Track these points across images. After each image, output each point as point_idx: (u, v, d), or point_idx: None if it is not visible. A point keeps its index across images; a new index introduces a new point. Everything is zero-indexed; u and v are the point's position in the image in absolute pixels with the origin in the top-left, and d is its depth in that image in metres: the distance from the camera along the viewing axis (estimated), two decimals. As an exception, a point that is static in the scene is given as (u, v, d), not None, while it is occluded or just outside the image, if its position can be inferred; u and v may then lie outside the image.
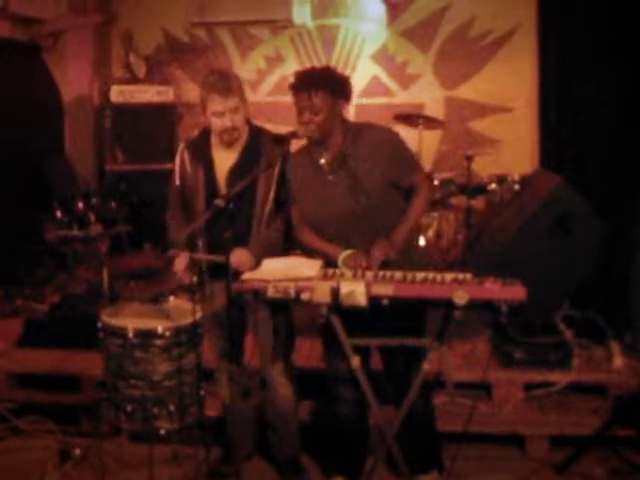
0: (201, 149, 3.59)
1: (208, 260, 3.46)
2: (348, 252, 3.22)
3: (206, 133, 3.62)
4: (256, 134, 3.58)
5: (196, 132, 3.76)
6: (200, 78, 3.62)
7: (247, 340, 3.73)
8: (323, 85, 3.20)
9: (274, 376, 3.66)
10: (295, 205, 3.40)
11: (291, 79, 3.30)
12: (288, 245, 3.50)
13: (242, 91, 3.50)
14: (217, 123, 3.45)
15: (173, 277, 3.62)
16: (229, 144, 3.51)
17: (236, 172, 3.48)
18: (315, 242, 3.38)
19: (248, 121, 3.59)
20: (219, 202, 3.05)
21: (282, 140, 3.27)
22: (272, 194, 3.48)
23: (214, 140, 3.58)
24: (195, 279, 3.48)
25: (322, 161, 3.34)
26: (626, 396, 4.09)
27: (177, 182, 3.65)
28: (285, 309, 3.55)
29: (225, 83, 3.42)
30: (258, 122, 3.70)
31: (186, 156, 3.62)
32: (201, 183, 3.56)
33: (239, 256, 3.36)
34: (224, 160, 3.55)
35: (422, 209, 3.39)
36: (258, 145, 3.52)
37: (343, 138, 3.30)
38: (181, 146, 3.70)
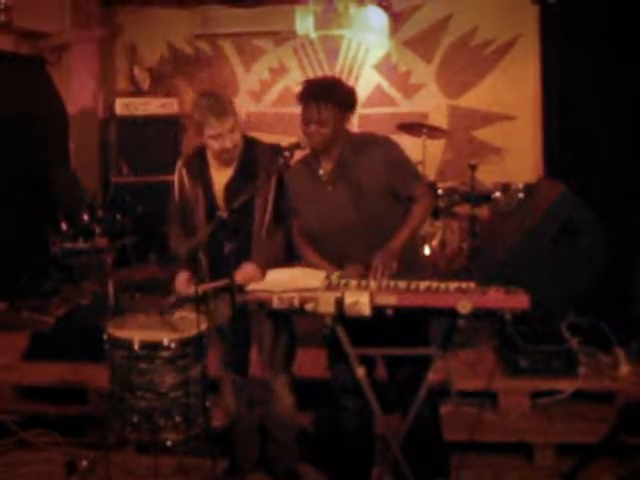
0: (198, 167, 3.58)
1: (215, 287, 3.43)
2: (338, 273, 3.20)
3: (202, 150, 3.60)
4: (250, 146, 3.57)
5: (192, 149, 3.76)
6: (204, 90, 3.68)
7: (252, 351, 3.74)
8: (333, 99, 3.19)
9: (278, 388, 3.66)
10: (295, 218, 3.41)
11: (299, 88, 3.28)
12: (290, 256, 3.51)
13: (235, 109, 3.47)
14: (215, 145, 3.44)
15: (175, 293, 3.63)
16: (228, 162, 3.52)
17: (232, 187, 3.48)
18: (311, 258, 3.39)
19: (242, 134, 3.59)
20: (222, 214, 3.05)
21: (280, 151, 3.28)
22: (270, 205, 3.48)
23: (210, 158, 3.58)
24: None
25: (321, 172, 3.34)
26: (633, 403, 4.08)
27: (176, 199, 3.65)
28: (287, 320, 3.56)
29: (220, 106, 3.39)
30: (261, 133, 3.71)
31: (184, 173, 3.61)
32: (201, 199, 3.55)
33: (247, 272, 3.36)
34: (221, 176, 3.55)
35: (422, 218, 3.36)
36: (253, 157, 3.52)
37: (343, 148, 3.30)
38: (179, 164, 3.68)
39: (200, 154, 3.62)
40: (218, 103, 3.40)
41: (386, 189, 3.28)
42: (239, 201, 3.13)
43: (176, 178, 3.66)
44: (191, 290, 3.40)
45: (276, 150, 3.35)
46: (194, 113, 3.45)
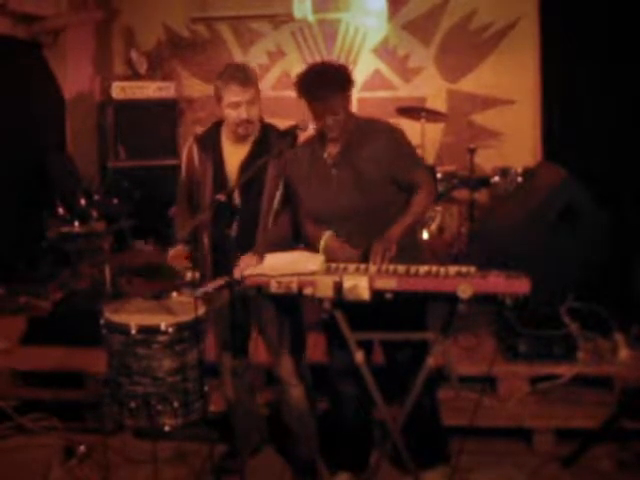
0: (211, 142, 3.53)
1: (217, 287, 3.36)
2: (329, 233, 3.18)
3: (217, 127, 3.56)
4: (266, 130, 3.52)
5: (198, 128, 3.73)
6: (201, 73, 3.64)
7: (252, 336, 3.71)
8: (333, 87, 3.15)
9: (283, 376, 3.61)
10: (300, 201, 3.38)
11: (296, 79, 3.22)
12: (296, 241, 3.47)
13: (258, 85, 3.44)
14: (232, 115, 3.38)
15: (176, 273, 3.60)
16: (243, 138, 3.45)
17: (247, 167, 3.40)
18: (313, 230, 3.36)
19: (260, 117, 3.55)
20: (220, 197, 3.02)
21: (288, 134, 3.23)
22: (280, 189, 3.45)
23: (225, 134, 3.52)
24: (190, 275, 3.46)
25: (325, 155, 3.31)
26: (632, 388, 4.07)
27: (183, 175, 3.62)
28: (293, 306, 3.53)
29: (244, 74, 3.37)
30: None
31: (195, 150, 3.57)
32: (209, 177, 3.50)
33: (247, 266, 3.26)
34: (234, 154, 3.49)
35: (423, 206, 3.32)
36: (268, 141, 3.46)
37: (350, 133, 3.26)
38: (190, 139, 3.64)
39: (215, 131, 3.57)
40: (243, 72, 3.38)
41: (389, 176, 3.25)
42: (237, 184, 3.09)
43: (184, 155, 3.63)
44: (184, 264, 3.39)
45: (285, 134, 3.33)
46: (217, 80, 3.41)
